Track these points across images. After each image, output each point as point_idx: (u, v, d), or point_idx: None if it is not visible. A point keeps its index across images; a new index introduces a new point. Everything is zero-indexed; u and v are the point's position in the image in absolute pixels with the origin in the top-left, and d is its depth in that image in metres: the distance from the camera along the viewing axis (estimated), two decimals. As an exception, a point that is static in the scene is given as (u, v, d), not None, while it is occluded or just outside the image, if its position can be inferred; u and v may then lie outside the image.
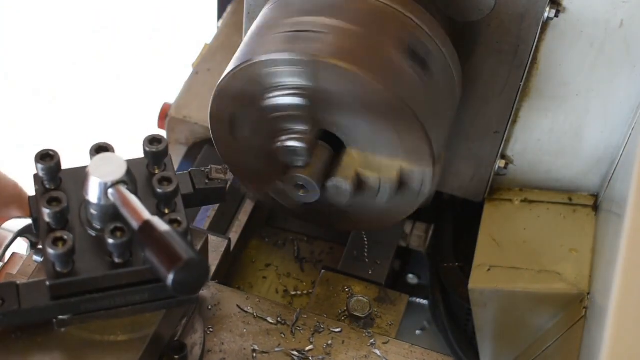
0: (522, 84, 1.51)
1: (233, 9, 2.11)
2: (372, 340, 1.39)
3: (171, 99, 1.94)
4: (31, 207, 1.28)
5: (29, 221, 1.53)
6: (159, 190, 1.24)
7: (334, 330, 1.40)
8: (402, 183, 1.42)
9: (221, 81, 1.39)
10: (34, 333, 1.23)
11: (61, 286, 1.18)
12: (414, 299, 1.85)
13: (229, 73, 1.38)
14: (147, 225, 1.13)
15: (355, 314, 1.46)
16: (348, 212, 1.49)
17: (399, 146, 1.37)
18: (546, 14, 1.42)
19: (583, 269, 1.57)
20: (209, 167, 1.34)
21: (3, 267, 1.43)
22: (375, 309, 1.49)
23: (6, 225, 1.50)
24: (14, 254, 1.47)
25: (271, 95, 1.37)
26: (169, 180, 1.25)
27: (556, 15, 1.43)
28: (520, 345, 1.65)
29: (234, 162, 1.49)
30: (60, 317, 1.22)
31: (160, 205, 1.25)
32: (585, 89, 1.53)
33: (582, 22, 1.45)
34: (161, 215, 1.21)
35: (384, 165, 1.41)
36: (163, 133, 1.94)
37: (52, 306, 1.20)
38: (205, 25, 2.44)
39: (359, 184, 1.42)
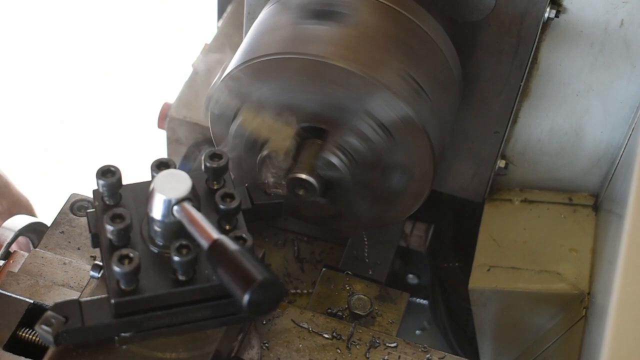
0: (522, 84, 1.51)
1: (233, 9, 2.11)
2: (428, 356, 1.39)
3: (171, 99, 1.94)
4: (89, 222, 1.27)
5: (29, 219, 1.53)
6: (221, 207, 1.24)
7: (389, 345, 1.39)
8: (388, 130, 1.37)
9: (220, 81, 1.39)
10: (95, 350, 1.23)
11: (126, 304, 1.18)
12: (414, 299, 1.85)
13: (235, 68, 1.38)
14: (217, 245, 1.14)
15: (356, 312, 1.46)
16: (350, 212, 1.49)
17: (403, 161, 1.38)
18: (546, 14, 1.42)
19: (583, 269, 1.57)
20: (266, 182, 1.35)
21: (4, 265, 1.44)
22: (376, 307, 1.49)
23: (7, 224, 1.51)
24: (15, 252, 1.47)
25: (261, 96, 1.37)
26: (231, 197, 1.25)
27: (556, 16, 1.43)
28: (520, 345, 1.65)
29: (234, 162, 1.49)
30: (123, 334, 1.21)
31: (221, 221, 1.25)
32: (585, 89, 1.53)
33: (582, 22, 1.45)
34: (223, 231, 1.20)
35: (384, 177, 1.40)
36: (163, 133, 1.94)
37: (116, 323, 1.20)
38: (205, 25, 2.45)
39: (350, 154, 1.39)
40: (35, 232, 1.53)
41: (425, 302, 1.87)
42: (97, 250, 1.43)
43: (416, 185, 1.42)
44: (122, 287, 1.18)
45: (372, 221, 1.51)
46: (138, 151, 2.90)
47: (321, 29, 1.36)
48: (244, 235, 1.21)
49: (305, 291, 1.65)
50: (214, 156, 1.28)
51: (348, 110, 1.35)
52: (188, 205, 1.18)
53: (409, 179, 1.41)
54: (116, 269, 1.15)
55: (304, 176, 1.36)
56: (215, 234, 1.15)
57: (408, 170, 1.40)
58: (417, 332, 1.90)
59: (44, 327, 1.17)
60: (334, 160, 1.37)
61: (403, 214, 1.49)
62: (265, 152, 1.38)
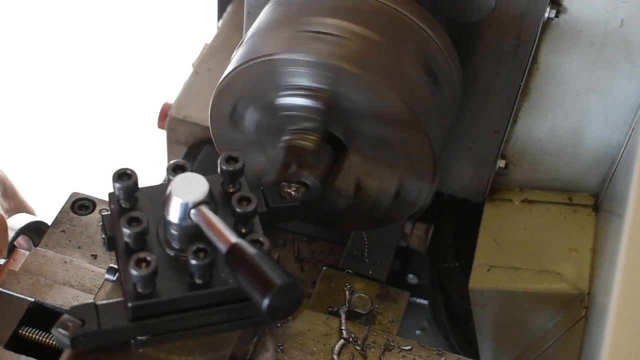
0: (522, 84, 1.51)
1: (233, 9, 2.11)
2: (443, 358, 1.39)
3: (171, 99, 1.94)
4: (105, 225, 1.27)
5: (31, 218, 1.53)
6: (238, 210, 1.23)
7: (404, 347, 1.39)
8: (399, 193, 1.43)
9: (224, 78, 1.39)
10: (111, 354, 1.22)
11: (143, 307, 1.18)
12: (414, 299, 1.85)
13: (233, 70, 1.37)
14: (235, 249, 1.13)
15: (357, 310, 1.46)
16: (346, 213, 1.49)
17: (403, 158, 1.39)
18: (546, 14, 1.42)
19: (583, 269, 1.57)
20: (281, 184, 1.35)
21: (5, 264, 1.44)
22: (377, 306, 1.49)
23: (7, 223, 1.51)
24: (15, 250, 1.47)
25: (285, 93, 1.37)
26: (248, 200, 1.24)
27: (556, 16, 1.43)
28: (520, 345, 1.65)
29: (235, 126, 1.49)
30: (139, 337, 1.21)
31: (237, 224, 1.25)
32: (585, 89, 1.53)
33: (582, 22, 1.45)
34: (239, 235, 1.20)
35: (384, 174, 1.41)
36: (163, 133, 1.94)
37: (132, 327, 1.19)
38: (205, 25, 2.45)
39: (358, 189, 1.43)
40: (36, 231, 1.54)
41: (425, 302, 1.87)
42: (98, 248, 1.44)
43: (416, 186, 1.42)
44: (139, 290, 1.17)
45: (372, 221, 1.51)
46: (138, 151, 2.90)
47: (341, 33, 1.36)
48: (260, 239, 1.22)
49: (305, 292, 1.65)
50: (230, 159, 1.28)
51: (360, 118, 1.36)
52: (205, 209, 1.18)
53: (409, 179, 1.41)
54: (133, 272, 1.15)
55: (310, 180, 1.37)
56: (233, 238, 1.15)
57: (406, 183, 1.40)
58: (417, 332, 1.90)
59: (60, 330, 1.17)
60: (346, 191, 1.41)
61: (397, 219, 1.50)
62: (290, 139, 1.38)
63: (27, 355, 1.28)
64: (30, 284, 1.37)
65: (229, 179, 1.28)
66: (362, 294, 1.49)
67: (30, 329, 1.33)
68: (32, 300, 1.35)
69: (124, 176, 1.24)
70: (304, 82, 1.34)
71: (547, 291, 1.57)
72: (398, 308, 1.49)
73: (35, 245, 1.50)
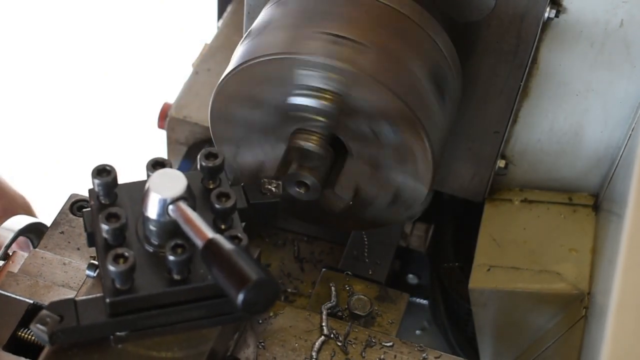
0: (522, 84, 1.51)
1: (233, 9, 2.11)
2: (424, 355, 1.38)
3: (171, 99, 1.94)
4: (85, 221, 1.27)
5: (29, 220, 1.53)
6: (217, 206, 1.23)
7: (385, 344, 1.39)
8: (395, 198, 1.43)
9: (226, 76, 1.39)
10: (90, 350, 1.22)
11: (121, 303, 1.18)
12: (414, 299, 1.85)
13: (235, 69, 1.37)
14: (212, 244, 1.13)
15: (356, 312, 1.46)
16: (345, 214, 1.49)
17: (403, 166, 1.39)
18: (546, 14, 1.42)
19: (583, 269, 1.57)
20: (261, 180, 1.34)
21: (4, 265, 1.44)
22: (376, 308, 1.49)
23: (7, 224, 1.51)
24: (15, 252, 1.47)
25: (294, 93, 1.37)
26: (227, 196, 1.24)
27: (556, 16, 1.43)
28: (520, 345, 1.65)
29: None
30: (118, 333, 1.21)
31: (217, 220, 1.25)
32: (585, 89, 1.53)
33: (582, 22, 1.45)
34: (218, 231, 1.20)
35: (383, 180, 1.42)
36: (163, 133, 1.94)
37: (111, 323, 1.19)
38: (205, 25, 2.45)
39: (357, 192, 1.43)
40: (35, 232, 1.53)
41: (425, 302, 1.87)
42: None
43: (415, 186, 1.42)
44: (117, 286, 1.18)
45: (373, 221, 1.51)
46: (138, 151, 2.90)
47: (319, 28, 1.36)
48: (239, 235, 1.21)
49: (305, 292, 1.65)
50: (209, 155, 1.28)
51: (369, 124, 1.36)
52: (183, 205, 1.18)
53: (408, 179, 1.41)
54: (111, 268, 1.15)
55: (310, 180, 1.37)
56: (210, 233, 1.15)
57: (407, 170, 1.40)
58: (417, 332, 1.90)
59: (39, 326, 1.17)
60: (345, 195, 1.41)
61: (401, 218, 1.50)
62: (294, 139, 1.39)
63: (25, 357, 1.28)
64: (29, 286, 1.37)
65: (209, 175, 1.28)
66: (362, 296, 1.49)
67: (29, 330, 1.32)
68: (31, 302, 1.34)
69: (103, 172, 1.24)
70: (315, 83, 1.34)
71: (547, 291, 1.57)
72: (397, 310, 1.49)
73: (34, 247, 1.50)
